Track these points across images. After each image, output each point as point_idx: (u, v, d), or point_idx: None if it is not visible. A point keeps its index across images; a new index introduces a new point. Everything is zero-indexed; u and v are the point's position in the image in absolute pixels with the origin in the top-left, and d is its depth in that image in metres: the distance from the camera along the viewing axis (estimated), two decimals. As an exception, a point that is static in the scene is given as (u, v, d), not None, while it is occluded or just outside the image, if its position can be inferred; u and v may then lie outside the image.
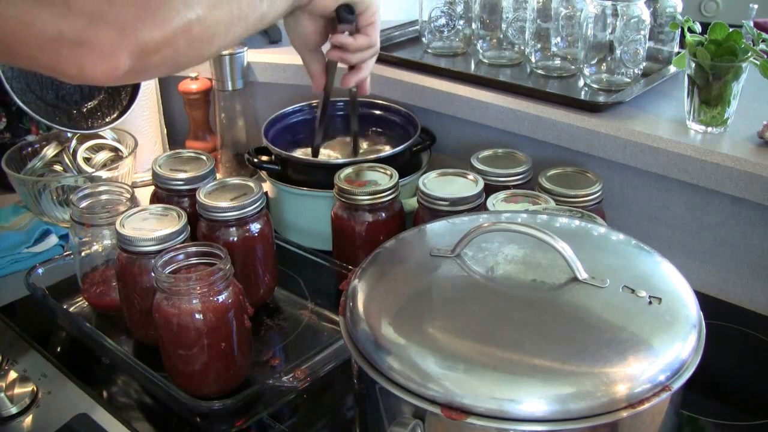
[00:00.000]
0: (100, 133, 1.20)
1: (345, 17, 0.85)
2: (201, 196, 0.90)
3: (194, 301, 0.75)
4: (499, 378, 0.51)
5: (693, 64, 0.94)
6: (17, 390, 0.80)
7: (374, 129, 1.22)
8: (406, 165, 1.09)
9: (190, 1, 0.60)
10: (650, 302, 0.56)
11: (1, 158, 1.14)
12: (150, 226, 0.84)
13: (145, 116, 1.29)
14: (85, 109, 1.19)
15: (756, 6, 1.19)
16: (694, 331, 0.56)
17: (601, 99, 1.05)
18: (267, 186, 1.12)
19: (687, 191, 0.98)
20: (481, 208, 0.90)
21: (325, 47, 0.91)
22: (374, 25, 0.88)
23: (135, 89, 1.21)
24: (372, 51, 0.91)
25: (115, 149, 1.22)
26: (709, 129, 0.96)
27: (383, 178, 0.96)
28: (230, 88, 1.28)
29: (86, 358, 0.88)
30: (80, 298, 0.97)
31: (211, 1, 0.61)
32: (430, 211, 0.90)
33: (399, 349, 0.54)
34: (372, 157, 1.06)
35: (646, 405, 0.51)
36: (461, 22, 1.25)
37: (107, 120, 1.19)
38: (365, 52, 0.90)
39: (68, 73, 0.57)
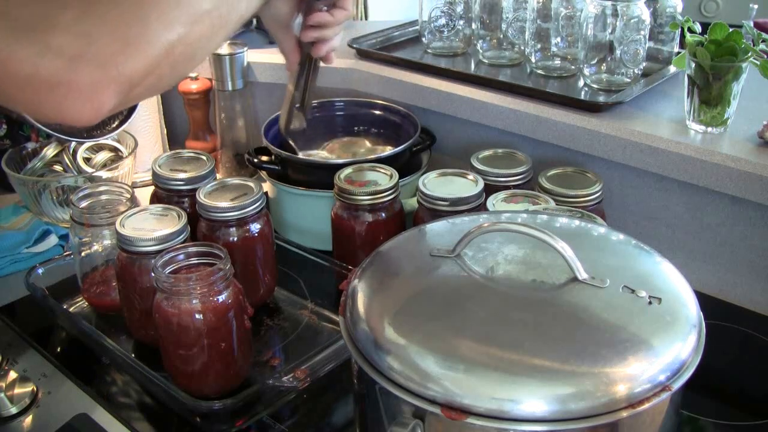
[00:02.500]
0: (100, 133, 1.21)
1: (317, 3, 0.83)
2: (201, 196, 0.90)
3: (194, 301, 0.75)
4: (499, 378, 0.51)
5: (693, 64, 0.94)
6: (17, 390, 0.80)
7: (374, 129, 1.22)
8: (406, 165, 1.09)
9: (169, 21, 0.57)
10: (650, 302, 0.56)
11: (2, 159, 1.14)
12: (150, 226, 0.84)
13: (145, 116, 1.29)
14: None
15: (756, 6, 1.19)
16: (694, 331, 0.56)
17: (601, 99, 1.05)
18: (267, 186, 1.12)
19: (687, 191, 0.98)
20: (481, 208, 0.90)
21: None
22: None
23: None
24: (346, 22, 0.89)
25: (115, 149, 1.22)
26: (709, 129, 0.96)
27: (383, 178, 0.96)
28: (230, 88, 1.28)
29: (86, 358, 0.88)
30: (80, 298, 0.97)
31: (190, 16, 0.59)
32: (430, 211, 0.90)
33: (399, 349, 0.54)
34: (372, 157, 1.06)
35: (646, 405, 0.51)
36: (461, 22, 1.25)
37: (107, 129, 1.18)
38: (341, 25, 0.88)
39: (48, 115, 0.55)
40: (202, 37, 0.60)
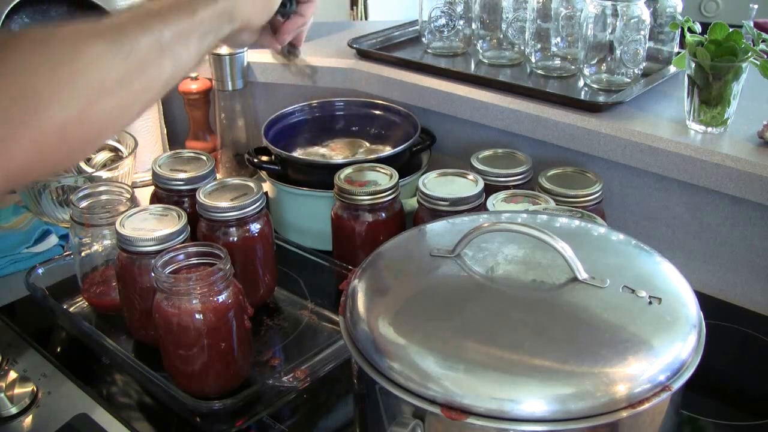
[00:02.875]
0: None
1: (287, 11, 0.84)
2: (201, 196, 0.90)
3: (194, 301, 0.75)
4: (499, 378, 0.51)
5: (693, 64, 0.94)
6: (17, 390, 0.80)
7: (374, 129, 1.22)
8: (406, 165, 1.09)
9: (64, 97, 0.48)
10: (650, 302, 0.56)
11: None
12: (150, 226, 0.84)
13: (145, 116, 1.29)
14: None
15: (756, 6, 1.19)
16: (694, 331, 0.56)
17: (601, 99, 1.05)
18: (267, 186, 1.12)
19: (687, 191, 0.97)
20: (481, 208, 0.90)
21: None
22: None
23: None
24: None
25: (115, 149, 1.22)
26: (709, 129, 0.96)
27: (383, 178, 0.96)
28: (230, 88, 1.28)
29: (86, 358, 0.88)
30: (80, 298, 0.97)
31: (93, 90, 0.50)
32: (430, 211, 0.90)
33: (399, 349, 0.54)
34: (372, 157, 1.06)
35: (646, 405, 0.51)
36: (461, 22, 1.25)
37: None
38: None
39: None
40: (110, 113, 0.52)
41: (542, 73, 1.16)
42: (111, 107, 0.52)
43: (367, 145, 1.20)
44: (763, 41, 0.91)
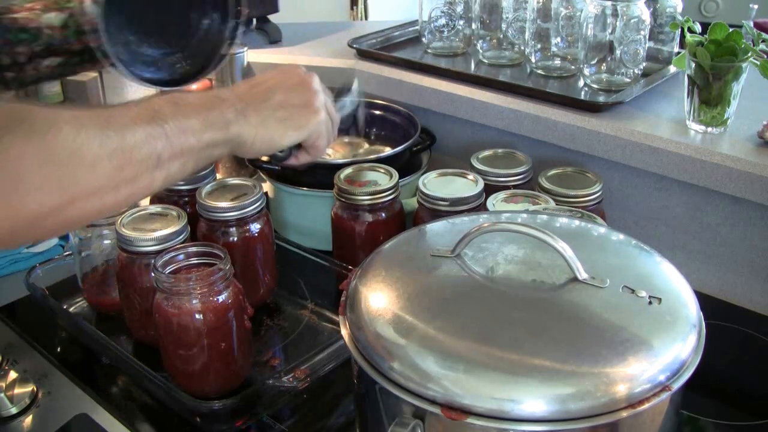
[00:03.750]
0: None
1: (281, 156, 0.82)
2: (201, 196, 0.90)
3: (194, 301, 0.75)
4: (499, 378, 0.51)
5: (693, 64, 0.94)
6: (17, 390, 0.80)
7: (374, 129, 1.22)
8: (406, 165, 1.09)
9: (44, 191, 0.49)
10: (650, 302, 0.56)
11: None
12: (150, 226, 0.84)
13: (145, 116, 1.29)
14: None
15: (756, 6, 1.19)
16: (694, 331, 0.56)
17: (601, 99, 1.05)
18: (267, 186, 1.12)
19: (687, 191, 0.98)
20: (481, 208, 0.90)
21: None
22: (319, 147, 0.80)
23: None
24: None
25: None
26: (709, 129, 0.96)
27: (383, 178, 0.96)
28: (230, 88, 1.27)
29: (86, 358, 0.88)
30: (80, 298, 0.97)
31: (78, 192, 0.51)
32: (430, 211, 0.90)
33: (399, 349, 0.54)
34: (372, 157, 1.06)
35: (646, 405, 0.51)
36: (461, 22, 1.25)
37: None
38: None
39: None
40: (88, 213, 0.53)
41: (542, 73, 1.16)
42: (91, 207, 0.53)
43: (367, 145, 1.20)
44: (763, 41, 0.91)
